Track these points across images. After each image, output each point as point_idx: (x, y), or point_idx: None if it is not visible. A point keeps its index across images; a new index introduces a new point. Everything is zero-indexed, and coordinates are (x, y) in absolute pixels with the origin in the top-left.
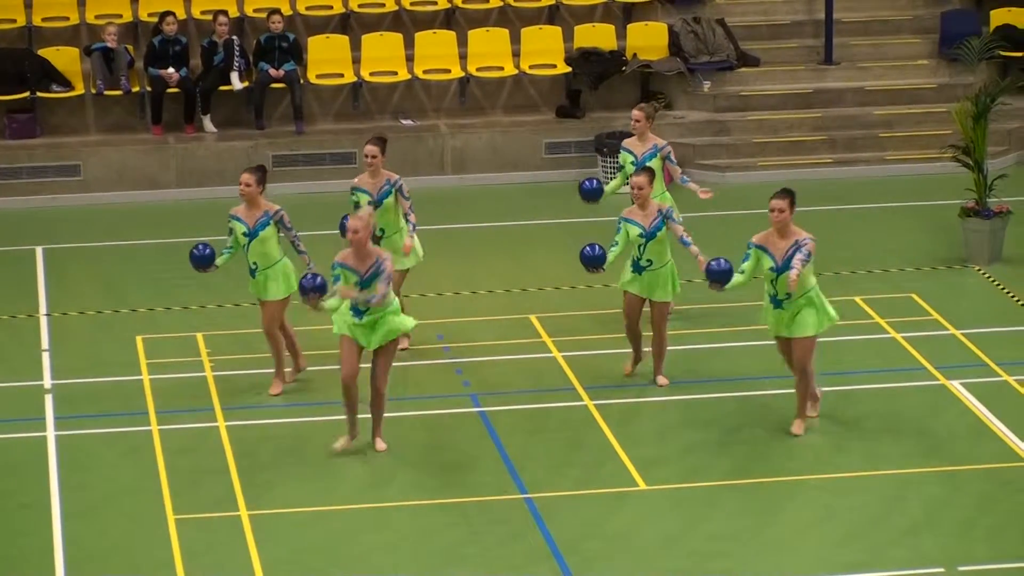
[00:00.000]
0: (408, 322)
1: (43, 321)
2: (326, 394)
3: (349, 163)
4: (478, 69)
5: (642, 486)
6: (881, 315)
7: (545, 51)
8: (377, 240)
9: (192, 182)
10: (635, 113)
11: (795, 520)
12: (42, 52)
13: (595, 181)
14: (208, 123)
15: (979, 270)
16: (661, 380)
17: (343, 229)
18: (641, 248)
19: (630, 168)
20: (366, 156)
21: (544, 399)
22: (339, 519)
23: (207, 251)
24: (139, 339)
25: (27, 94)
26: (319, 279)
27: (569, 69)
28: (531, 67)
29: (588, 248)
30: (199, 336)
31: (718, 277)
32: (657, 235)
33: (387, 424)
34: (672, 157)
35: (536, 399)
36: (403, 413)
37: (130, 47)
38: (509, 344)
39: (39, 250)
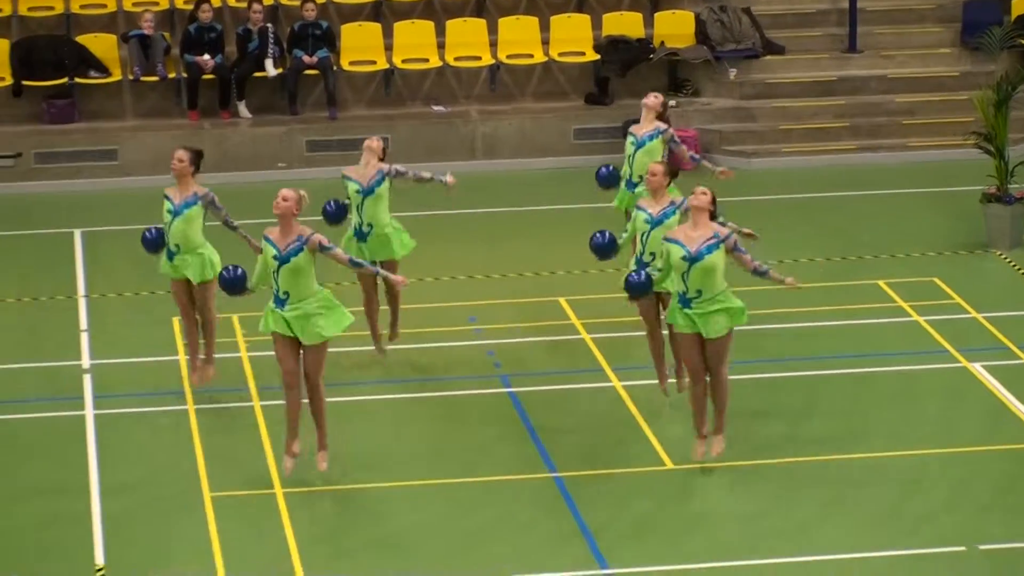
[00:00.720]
0: (332, 329)
1: (81, 302)
2: (357, 374)
3: None
4: (508, 56)
5: (669, 466)
6: (904, 299)
7: (574, 39)
8: (364, 236)
9: (227, 167)
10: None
11: (818, 501)
12: (80, 39)
13: (610, 167)
14: (243, 109)
15: (1000, 255)
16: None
17: (326, 215)
18: (645, 237)
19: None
20: (369, 147)
21: (573, 380)
22: (371, 498)
23: (155, 233)
24: (175, 320)
25: (65, 80)
26: (239, 270)
27: (597, 57)
28: (560, 55)
29: (598, 235)
30: (235, 318)
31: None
32: (665, 222)
33: (418, 404)
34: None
35: (565, 380)
36: (434, 394)
37: (166, 34)
38: (539, 326)
39: (77, 233)
